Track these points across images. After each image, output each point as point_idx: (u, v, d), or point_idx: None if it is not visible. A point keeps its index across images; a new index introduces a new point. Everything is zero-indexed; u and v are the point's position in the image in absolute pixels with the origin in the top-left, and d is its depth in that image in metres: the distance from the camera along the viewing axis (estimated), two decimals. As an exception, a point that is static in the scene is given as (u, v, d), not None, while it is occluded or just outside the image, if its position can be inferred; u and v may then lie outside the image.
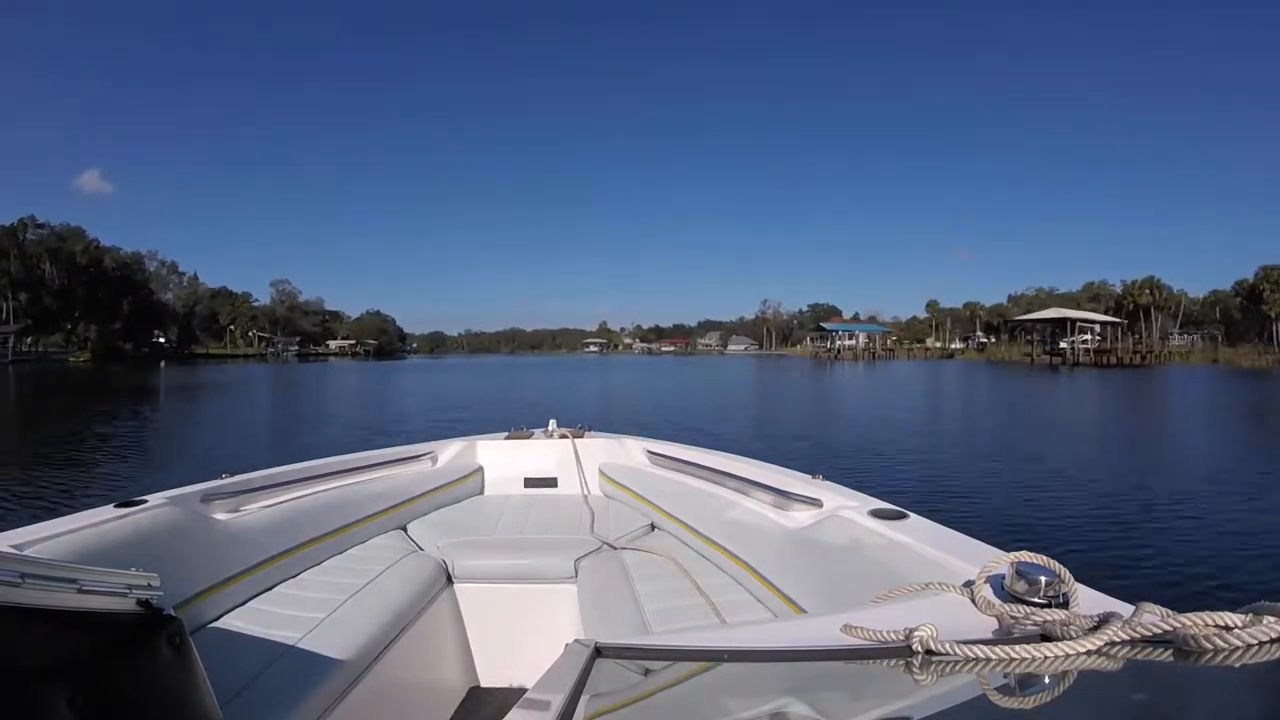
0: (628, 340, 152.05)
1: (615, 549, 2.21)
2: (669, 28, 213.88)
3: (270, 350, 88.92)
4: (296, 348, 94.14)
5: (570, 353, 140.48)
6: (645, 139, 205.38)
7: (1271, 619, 0.61)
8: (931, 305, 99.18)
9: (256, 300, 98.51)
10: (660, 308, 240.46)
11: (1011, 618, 0.80)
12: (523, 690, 0.63)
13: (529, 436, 3.10)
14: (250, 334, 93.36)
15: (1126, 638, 0.67)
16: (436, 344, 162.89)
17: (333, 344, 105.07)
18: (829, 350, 71.15)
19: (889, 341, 78.01)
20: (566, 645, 0.77)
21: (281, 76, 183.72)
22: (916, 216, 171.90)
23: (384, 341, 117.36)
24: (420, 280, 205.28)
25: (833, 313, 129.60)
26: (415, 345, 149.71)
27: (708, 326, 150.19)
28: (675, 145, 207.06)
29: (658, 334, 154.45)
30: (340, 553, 2.10)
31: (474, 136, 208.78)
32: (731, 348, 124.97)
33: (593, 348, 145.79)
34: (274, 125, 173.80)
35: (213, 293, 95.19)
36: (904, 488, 6.65)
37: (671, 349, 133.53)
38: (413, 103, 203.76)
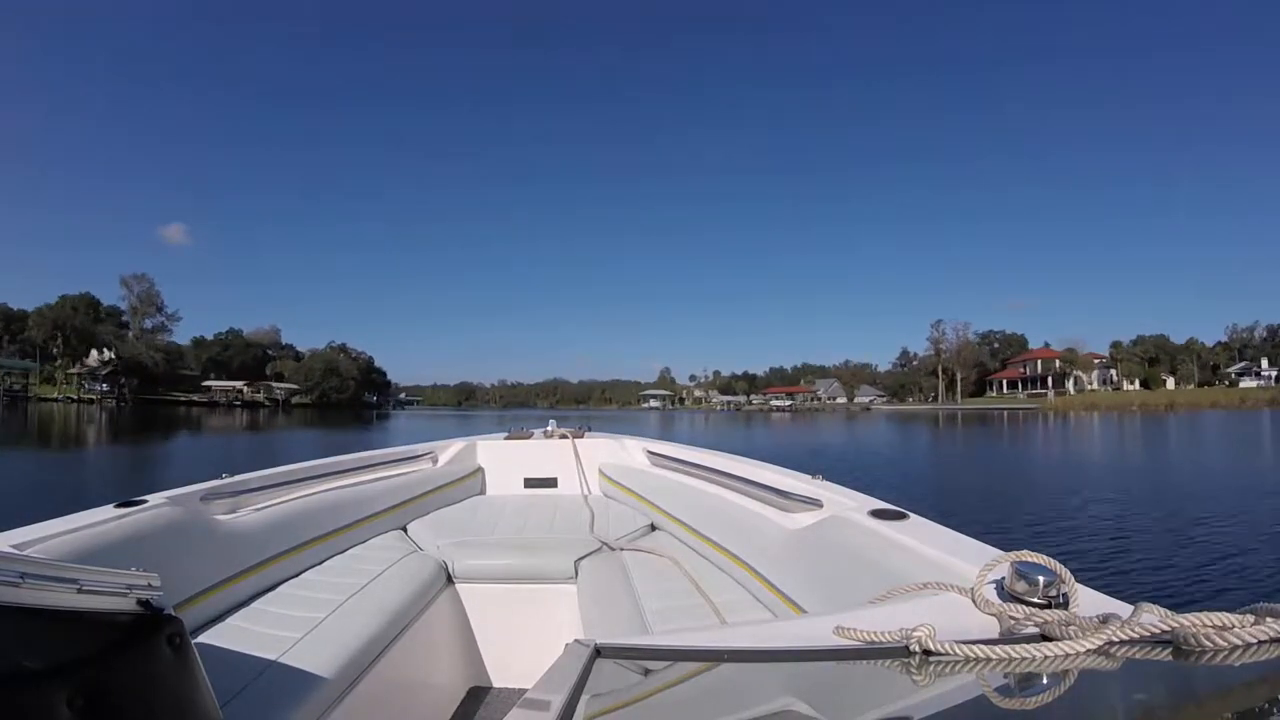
0: (699, 393, 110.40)
1: (615, 549, 2.21)
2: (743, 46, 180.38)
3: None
4: (104, 386, 55.23)
5: (623, 408, 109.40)
6: (724, 177, 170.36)
7: (1271, 619, 0.61)
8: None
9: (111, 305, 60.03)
10: (728, 357, 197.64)
11: (1011, 618, 0.80)
12: (523, 690, 0.62)
13: (529, 437, 3.17)
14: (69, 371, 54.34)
15: (1126, 638, 0.66)
16: (465, 396, 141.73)
17: (215, 384, 65.66)
18: None
19: None
20: (566, 645, 0.77)
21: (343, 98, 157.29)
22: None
23: (329, 388, 76.29)
24: (449, 323, 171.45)
25: (1018, 345, 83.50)
26: (406, 396, 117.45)
27: (809, 373, 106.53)
28: (757, 182, 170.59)
29: (749, 384, 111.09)
30: (340, 553, 2.10)
31: (519, 171, 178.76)
32: (859, 399, 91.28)
33: (653, 402, 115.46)
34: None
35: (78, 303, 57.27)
36: None
37: (789, 403, 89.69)
38: (464, 132, 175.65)
